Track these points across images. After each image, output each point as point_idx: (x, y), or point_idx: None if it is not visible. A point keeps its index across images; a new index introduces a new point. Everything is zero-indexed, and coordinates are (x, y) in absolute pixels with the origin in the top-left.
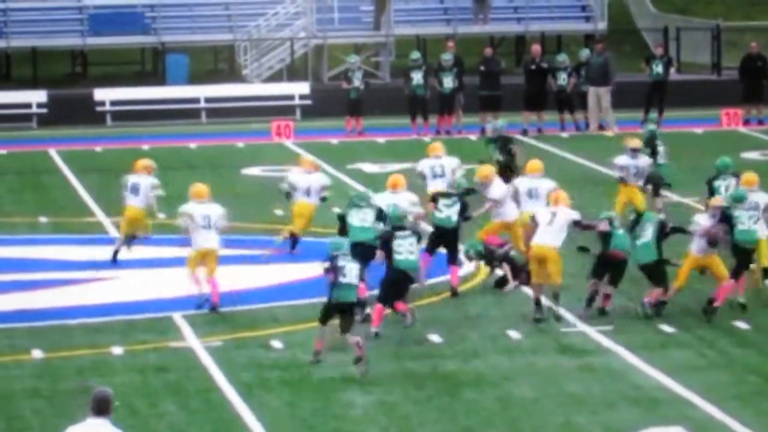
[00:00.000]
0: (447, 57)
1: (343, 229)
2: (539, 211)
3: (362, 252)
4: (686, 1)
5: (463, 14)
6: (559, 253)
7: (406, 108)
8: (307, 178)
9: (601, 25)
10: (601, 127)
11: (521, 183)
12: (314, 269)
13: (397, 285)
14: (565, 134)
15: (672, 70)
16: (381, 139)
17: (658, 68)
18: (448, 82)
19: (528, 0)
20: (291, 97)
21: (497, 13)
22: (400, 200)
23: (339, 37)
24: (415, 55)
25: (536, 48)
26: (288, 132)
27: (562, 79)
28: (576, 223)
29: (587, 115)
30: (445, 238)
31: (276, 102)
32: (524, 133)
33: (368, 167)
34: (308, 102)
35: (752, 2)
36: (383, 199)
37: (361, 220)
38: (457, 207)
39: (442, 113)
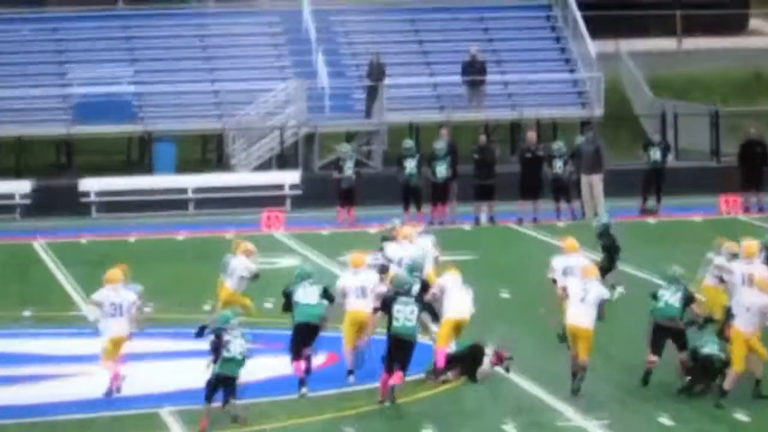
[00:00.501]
0: (440, 145)
1: (288, 305)
2: (571, 283)
3: (307, 331)
4: (684, 85)
5: (456, 101)
6: (591, 332)
7: (399, 197)
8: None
9: (598, 111)
10: (596, 215)
11: (557, 261)
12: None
13: (396, 351)
14: (561, 223)
15: (670, 156)
16: (373, 230)
17: (656, 155)
18: (441, 171)
19: (522, 86)
20: (281, 187)
21: (491, 100)
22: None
23: (330, 126)
24: (408, 143)
25: (531, 135)
26: (278, 223)
27: (558, 167)
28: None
29: (582, 204)
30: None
31: (265, 192)
32: (519, 222)
33: None
34: (298, 191)
35: (752, 87)
36: (394, 250)
37: (307, 297)
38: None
39: (435, 202)
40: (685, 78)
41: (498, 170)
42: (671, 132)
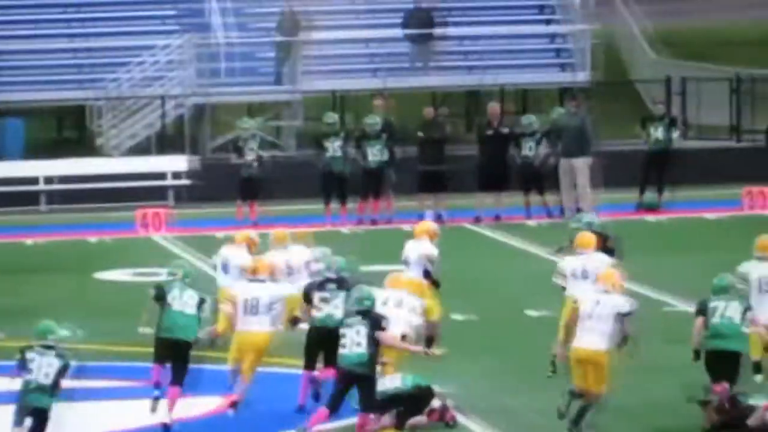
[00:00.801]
0: (373, 120)
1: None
2: (583, 296)
3: (177, 352)
4: (699, 43)
5: (396, 62)
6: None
7: (317, 189)
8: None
9: (583, 76)
10: (579, 212)
11: (567, 262)
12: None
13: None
14: (532, 222)
15: (676, 134)
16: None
17: (658, 133)
18: (375, 153)
19: (482, 43)
20: (162, 176)
21: (443, 61)
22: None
23: (227, 95)
24: (331, 117)
25: (494, 108)
26: (158, 222)
27: (529, 148)
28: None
29: (561, 197)
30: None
31: (142, 182)
32: (478, 220)
33: None
34: (185, 182)
35: None
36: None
37: (183, 303)
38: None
39: (366, 195)
40: (699, 33)
41: (450, 153)
42: (679, 103)
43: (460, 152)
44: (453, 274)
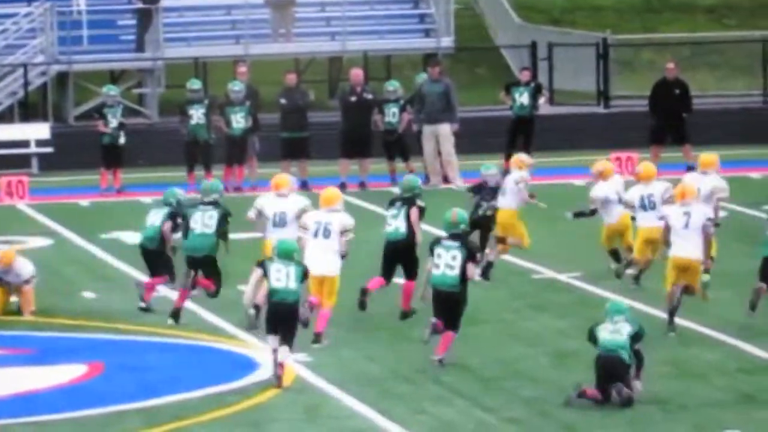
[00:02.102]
0: (237, 87)
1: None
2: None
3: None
4: (564, 8)
5: (258, 29)
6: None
7: (181, 156)
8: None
9: (446, 41)
10: (445, 180)
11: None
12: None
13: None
14: (397, 189)
15: (542, 100)
16: (147, 198)
17: (523, 98)
18: (239, 120)
19: (345, 8)
20: (25, 144)
21: (305, 27)
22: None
23: (89, 63)
24: (195, 84)
25: (357, 74)
26: (21, 191)
27: (393, 114)
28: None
29: (425, 164)
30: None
31: (5, 150)
32: (342, 187)
33: (131, 237)
34: (48, 149)
35: (651, 8)
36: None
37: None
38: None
39: (231, 163)
40: None
41: (313, 119)
42: (545, 68)
43: (324, 119)
44: None
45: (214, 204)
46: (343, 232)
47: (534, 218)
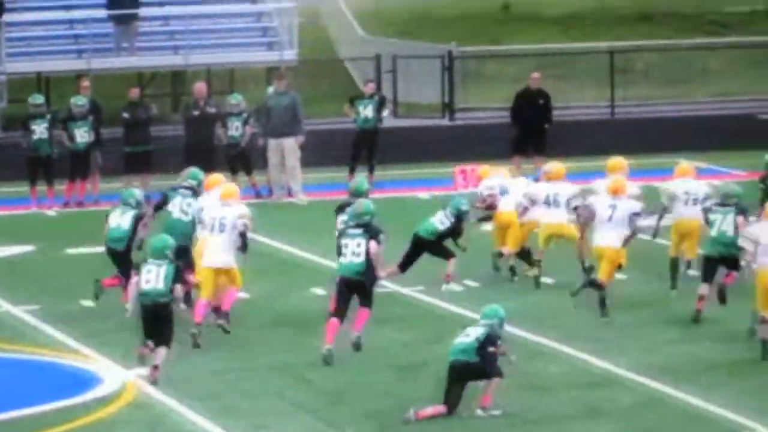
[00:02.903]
0: (80, 102)
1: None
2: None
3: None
4: (408, 20)
5: (101, 43)
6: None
7: (23, 171)
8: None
9: (290, 55)
10: (289, 193)
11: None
12: None
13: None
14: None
15: (386, 113)
16: None
17: (367, 111)
18: (82, 135)
19: (188, 22)
20: None
21: (148, 41)
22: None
23: None
24: (38, 99)
25: (200, 87)
26: None
27: (236, 128)
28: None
29: (269, 177)
30: None
31: None
32: None
33: None
34: None
35: (497, 20)
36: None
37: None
38: None
39: (74, 177)
40: (408, 10)
41: (156, 133)
42: (390, 81)
43: (167, 133)
44: None
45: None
46: (239, 220)
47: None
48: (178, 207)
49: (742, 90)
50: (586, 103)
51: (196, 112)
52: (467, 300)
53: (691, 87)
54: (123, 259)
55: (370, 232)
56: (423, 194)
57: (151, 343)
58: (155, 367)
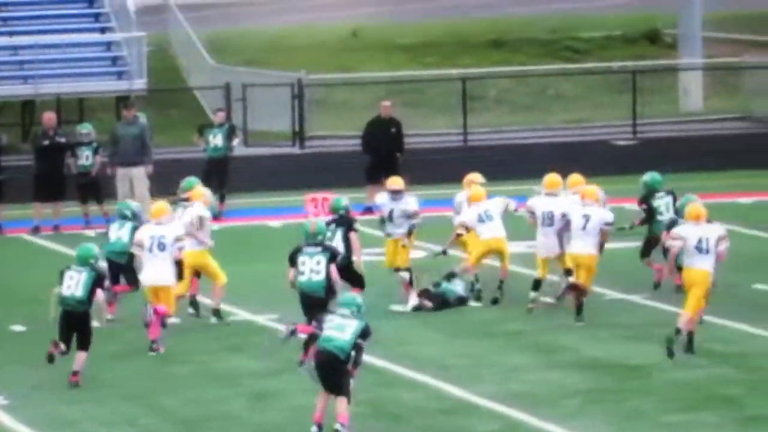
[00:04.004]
0: None
1: None
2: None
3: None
4: (258, 49)
5: None
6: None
7: None
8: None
9: (139, 84)
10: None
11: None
12: None
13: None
14: (91, 232)
15: (236, 141)
16: None
17: (217, 140)
18: None
19: (37, 51)
20: None
21: None
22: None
23: None
24: None
25: (49, 117)
26: None
27: (86, 157)
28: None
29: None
30: None
31: None
32: (36, 230)
33: None
34: None
35: (347, 48)
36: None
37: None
38: None
39: None
40: (260, 39)
41: (6, 163)
42: (240, 110)
43: (16, 162)
44: (11, 285)
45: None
46: (177, 241)
47: (232, 260)
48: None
49: (598, 116)
50: (439, 130)
51: (45, 142)
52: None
53: (545, 113)
54: (127, 270)
55: (331, 249)
56: (274, 222)
57: (62, 345)
58: (75, 373)
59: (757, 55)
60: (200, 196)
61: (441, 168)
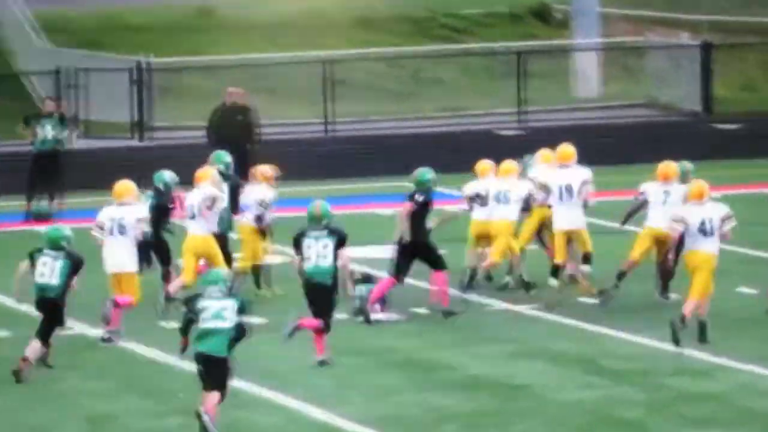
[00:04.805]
0: None
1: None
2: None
3: None
4: (95, 29)
5: None
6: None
7: None
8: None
9: None
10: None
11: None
12: None
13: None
14: None
15: (68, 133)
16: None
17: (46, 132)
18: None
19: None
20: None
21: None
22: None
23: None
24: None
25: None
26: None
27: None
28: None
29: None
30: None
31: None
32: None
33: None
34: None
35: (196, 28)
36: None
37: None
38: None
39: None
40: (98, 19)
41: None
42: (73, 97)
43: None
44: None
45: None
46: (138, 223)
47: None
48: None
49: (479, 103)
50: (298, 120)
51: None
52: (160, 344)
53: (419, 100)
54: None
55: (338, 232)
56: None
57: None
58: (24, 359)
59: (660, 35)
60: (207, 176)
61: (301, 161)
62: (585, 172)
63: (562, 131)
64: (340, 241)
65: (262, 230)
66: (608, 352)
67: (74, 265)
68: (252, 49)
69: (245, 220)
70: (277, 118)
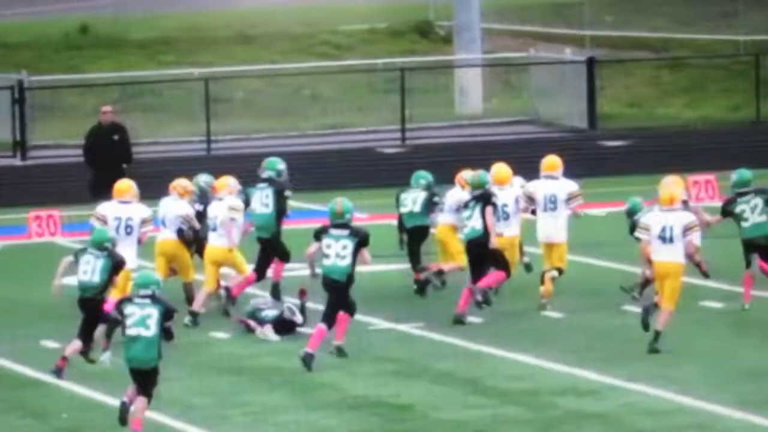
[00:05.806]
0: None
1: None
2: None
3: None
4: None
5: None
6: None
7: None
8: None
9: None
10: None
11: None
12: None
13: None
14: None
15: None
16: None
17: None
18: None
19: None
20: None
21: None
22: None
23: None
24: None
25: None
26: None
27: None
28: None
29: None
30: None
31: None
32: None
33: None
34: None
35: (73, 45)
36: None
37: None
38: None
39: None
40: None
41: None
42: None
43: None
44: None
45: (269, 181)
46: (143, 224)
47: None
48: (258, 201)
49: (361, 120)
50: (178, 138)
51: None
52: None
53: (300, 117)
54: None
55: (358, 235)
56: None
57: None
58: (64, 358)
59: (543, 50)
60: (224, 186)
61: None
62: (571, 184)
63: (445, 148)
64: (362, 242)
65: (187, 242)
66: (494, 371)
67: (115, 265)
68: (132, 66)
69: (161, 235)
70: (158, 136)
